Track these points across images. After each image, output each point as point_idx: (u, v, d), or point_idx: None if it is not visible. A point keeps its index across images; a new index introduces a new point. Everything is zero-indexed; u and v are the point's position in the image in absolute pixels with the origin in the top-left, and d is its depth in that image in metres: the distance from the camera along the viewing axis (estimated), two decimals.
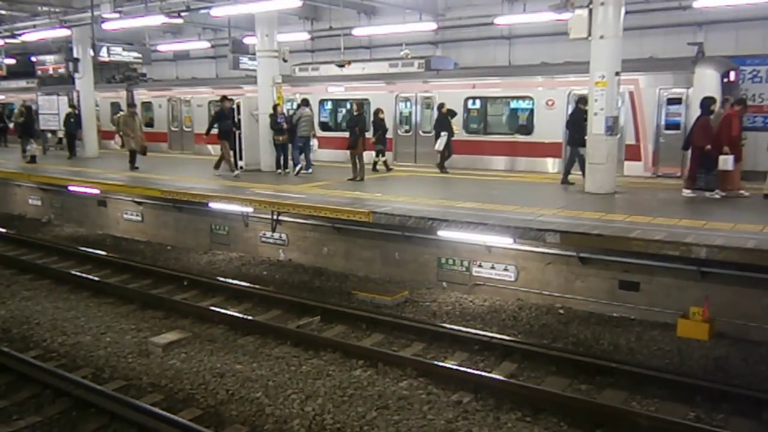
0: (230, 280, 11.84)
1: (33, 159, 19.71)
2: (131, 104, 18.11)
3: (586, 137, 12.59)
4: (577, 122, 13.23)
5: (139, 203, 16.10)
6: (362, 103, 15.54)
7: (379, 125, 16.27)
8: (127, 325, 9.75)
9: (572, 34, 12.31)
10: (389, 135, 18.58)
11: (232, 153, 16.52)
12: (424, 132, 18.43)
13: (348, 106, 19.73)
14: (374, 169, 16.37)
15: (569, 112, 14.47)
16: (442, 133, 15.94)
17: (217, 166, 17.04)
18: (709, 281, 9.09)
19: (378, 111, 16.43)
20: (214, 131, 15.94)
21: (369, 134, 15.75)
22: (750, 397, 6.84)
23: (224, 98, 16.33)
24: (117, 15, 17.97)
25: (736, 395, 6.91)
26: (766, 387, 7.19)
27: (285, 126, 15.88)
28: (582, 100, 13.18)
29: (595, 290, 10.10)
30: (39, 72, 30.20)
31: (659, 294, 9.57)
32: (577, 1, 12.58)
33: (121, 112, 19.22)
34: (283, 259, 13.65)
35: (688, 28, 18.40)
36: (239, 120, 16.72)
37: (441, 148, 16.04)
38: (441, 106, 16.30)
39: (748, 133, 15.58)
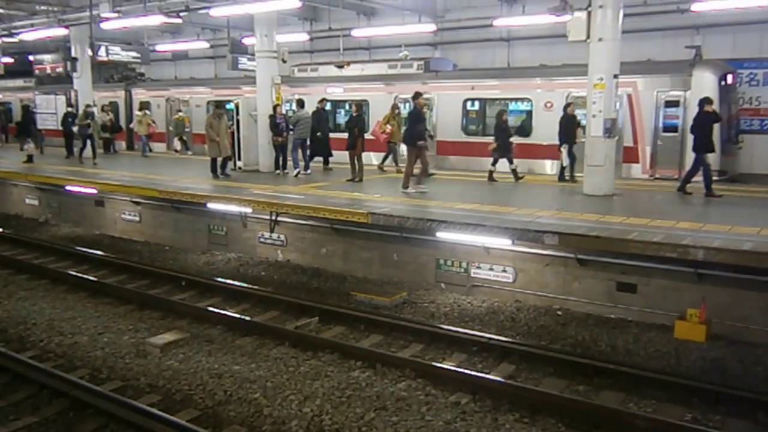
0: (228, 281, 11.83)
1: (30, 158, 19.67)
2: (218, 105, 16.15)
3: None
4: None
5: (137, 203, 16.08)
6: (361, 104, 15.55)
7: (504, 129, 14.73)
8: (125, 325, 9.73)
9: (571, 37, 12.35)
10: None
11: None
12: None
13: (347, 106, 19.75)
14: (492, 179, 14.75)
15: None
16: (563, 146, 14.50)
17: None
18: (706, 283, 9.12)
19: (502, 113, 14.99)
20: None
21: (367, 135, 15.73)
22: (746, 399, 6.86)
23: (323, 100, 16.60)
24: (116, 14, 17.99)
25: (732, 397, 6.93)
26: (762, 388, 7.21)
27: (284, 127, 15.91)
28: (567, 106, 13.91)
29: (593, 292, 10.12)
30: (37, 71, 30.10)
31: (656, 296, 9.59)
32: (575, 3, 12.62)
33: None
34: (281, 260, 13.65)
35: (686, 31, 18.45)
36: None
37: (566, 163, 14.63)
38: (567, 105, 14.74)
39: (744, 136, 15.68)
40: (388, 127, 15.70)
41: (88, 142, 19.64)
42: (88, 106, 20.28)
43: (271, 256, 13.83)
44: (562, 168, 14.62)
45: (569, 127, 14.31)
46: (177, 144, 22.72)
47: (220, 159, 15.76)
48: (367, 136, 15.73)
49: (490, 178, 14.77)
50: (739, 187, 12.42)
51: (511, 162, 14.71)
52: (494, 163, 14.88)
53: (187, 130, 22.99)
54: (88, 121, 19.57)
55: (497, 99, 17.32)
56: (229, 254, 14.28)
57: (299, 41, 24.68)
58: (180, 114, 23.02)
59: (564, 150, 14.38)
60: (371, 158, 18.06)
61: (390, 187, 13.78)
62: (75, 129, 20.23)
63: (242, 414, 6.86)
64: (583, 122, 13.68)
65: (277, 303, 10.59)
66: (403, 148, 15.63)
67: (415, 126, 12.68)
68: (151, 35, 28.88)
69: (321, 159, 17.00)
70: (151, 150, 22.47)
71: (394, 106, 16.28)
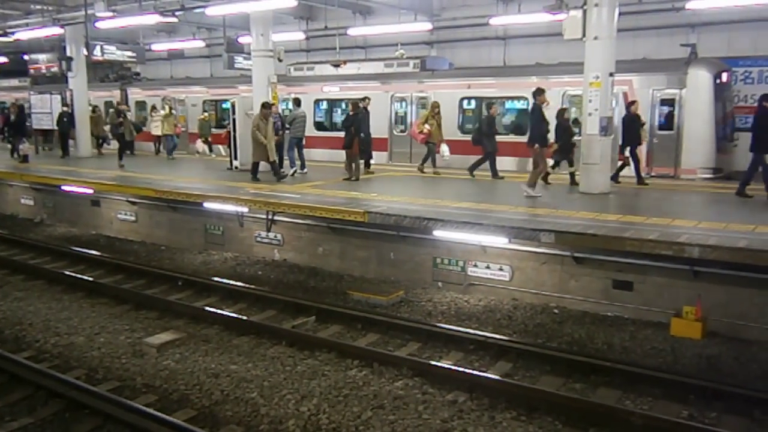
0: (225, 280, 11.82)
1: (25, 158, 19.62)
2: (265, 104, 14.90)
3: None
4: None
5: (133, 203, 16.05)
6: (358, 103, 15.53)
7: (566, 128, 13.76)
8: (121, 325, 9.72)
9: (567, 35, 12.35)
10: (384, 135, 18.66)
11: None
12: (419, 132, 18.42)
13: (343, 105, 19.74)
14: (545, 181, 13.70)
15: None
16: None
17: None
18: (701, 280, 9.13)
19: (563, 111, 13.99)
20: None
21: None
22: (742, 395, 6.88)
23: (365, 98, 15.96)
24: (111, 14, 17.93)
25: (728, 393, 6.95)
26: (758, 385, 7.22)
27: (280, 126, 15.87)
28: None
29: (590, 290, 10.13)
30: (32, 71, 30.06)
31: (653, 293, 9.61)
32: (571, 2, 12.63)
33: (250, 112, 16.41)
34: (278, 259, 13.64)
35: (681, 29, 18.51)
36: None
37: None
38: (631, 103, 13.99)
39: (740, 134, 15.71)
40: (426, 127, 15.22)
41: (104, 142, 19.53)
42: (119, 104, 19.61)
43: (267, 256, 13.82)
44: (620, 169, 13.63)
45: (633, 127, 13.37)
46: (200, 146, 21.73)
47: (258, 162, 14.84)
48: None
49: (545, 180, 13.63)
50: (734, 185, 12.41)
51: (571, 164, 13.68)
52: (555, 166, 14.01)
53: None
54: (121, 120, 18.90)
55: (493, 98, 17.33)
56: (225, 254, 14.26)
57: (295, 40, 24.67)
58: (205, 114, 22.43)
59: (629, 152, 13.50)
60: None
61: (388, 186, 13.77)
62: (107, 129, 19.61)
63: (239, 413, 6.86)
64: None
65: (273, 302, 10.58)
66: (444, 150, 15.63)
67: (540, 125, 12.05)
68: (147, 34, 28.88)
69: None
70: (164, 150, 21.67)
71: (435, 105, 15.81)
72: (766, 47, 16.78)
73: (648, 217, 9.98)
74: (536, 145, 12.02)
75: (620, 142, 13.65)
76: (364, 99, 15.84)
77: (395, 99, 18.78)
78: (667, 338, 8.84)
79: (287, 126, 16.02)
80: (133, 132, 20.51)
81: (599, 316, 9.86)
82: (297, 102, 16.66)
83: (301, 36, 24.71)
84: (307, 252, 13.23)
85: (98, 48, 19.81)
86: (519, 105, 17.06)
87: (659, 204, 11.41)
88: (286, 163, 16.16)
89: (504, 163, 15.43)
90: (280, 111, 16.67)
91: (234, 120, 16.88)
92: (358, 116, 14.99)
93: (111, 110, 19.54)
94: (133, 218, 16.30)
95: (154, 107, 22.37)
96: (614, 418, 6.50)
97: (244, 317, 9.82)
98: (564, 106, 14.52)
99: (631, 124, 13.39)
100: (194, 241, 15.01)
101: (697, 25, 18.34)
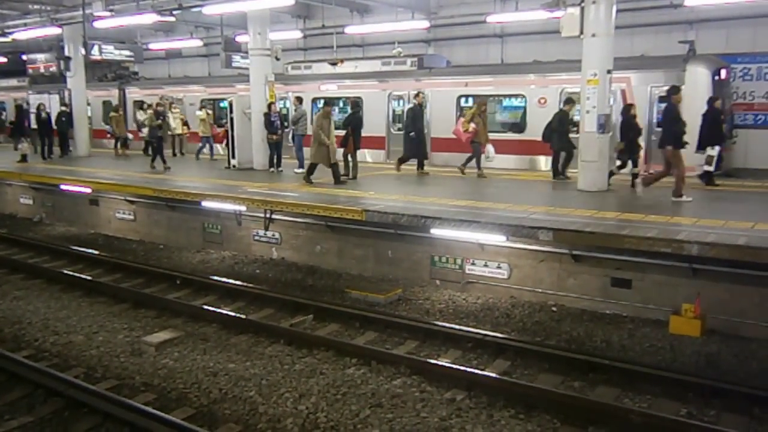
0: (223, 279, 11.82)
1: (24, 158, 19.60)
2: (327, 102, 14.18)
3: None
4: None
5: (132, 202, 16.05)
6: (356, 102, 15.52)
7: (632, 126, 12.77)
8: (120, 324, 9.71)
9: (564, 33, 12.35)
10: (381, 133, 18.65)
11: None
12: None
13: (341, 104, 19.73)
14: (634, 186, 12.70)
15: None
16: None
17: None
18: (700, 278, 9.13)
19: (629, 107, 12.98)
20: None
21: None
22: (741, 393, 6.88)
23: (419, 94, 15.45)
24: (109, 13, 17.92)
25: (727, 391, 6.95)
26: (757, 383, 7.21)
27: (279, 125, 15.88)
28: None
29: (588, 287, 10.13)
30: (30, 71, 30.03)
31: (651, 291, 9.60)
32: None
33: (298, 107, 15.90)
34: (276, 258, 13.64)
35: (679, 26, 18.50)
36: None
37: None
38: (714, 99, 13.07)
39: (738, 131, 15.73)
40: (472, 126, 14.41)
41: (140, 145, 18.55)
42: (159, 104, 18.40)
43: (265, 254, 13.82)
44: (708, 172, 12.71)
45: (716, 124, 12.48)
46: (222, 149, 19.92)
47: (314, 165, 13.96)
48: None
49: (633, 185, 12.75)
50: (733, 182, 12.43)
51: (635, 165, 12.91)
52: (621, 167, 13.00)
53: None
54: (160, 121, 17.61)
55: (491, 95, 17.32)
56: (223, 252, 14.26)
57: (293, 39, 24.64)
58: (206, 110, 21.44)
59: (712, 151, 12.51)
60: (365, 156, 18.08)
61: (385, 185, 13.76)
62: (144, 131, 18.29)
63: (237, 412, 6.85)
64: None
65: (271, 301, 10.58)
66: (489, 150, 14.72)
67: (674, 124, 11.23)
68: (145, 34, 28.84)
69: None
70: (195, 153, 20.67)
71: (481, 103, 15.06)
72: (765, 44, 16.77)
73: (646, 214, 9.98)
74: (670, 147, 11.21)
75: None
76: (418, 94, 15.43)
77: (393, 97, 18.77)
78: (666, 336, 8.84)
79: (293, 126, 15.99)
80: (175, 133, 19.96)
81: (598, 313, 9.86)
82: (299, 100, 16.67)
83: (298, 34, 24.69)
84: (305, 250, 13.23)
85: (96, 47, 19.82)
86: (516, 103, 17.04)
87: (657, 201, 11.40)
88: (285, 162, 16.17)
89: (503, 161, 15.43)
90: (278, 109, 16.64)
91: (232, 119, 16.89)
92: (356, 115, 14.99)
93: (150, 111, 18.39)
94: (131, 217, 16.30)
95: (172, 104, 21.57)
96: (613, 416, 6.50)
97: (242, 316, 9.82)
98: (631, 102, 13.48)
99: (714, 121, 12.51)
100: (192, 239, 15.01)
101: (695, 21, 18.33)
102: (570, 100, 14.06)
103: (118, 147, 21.98)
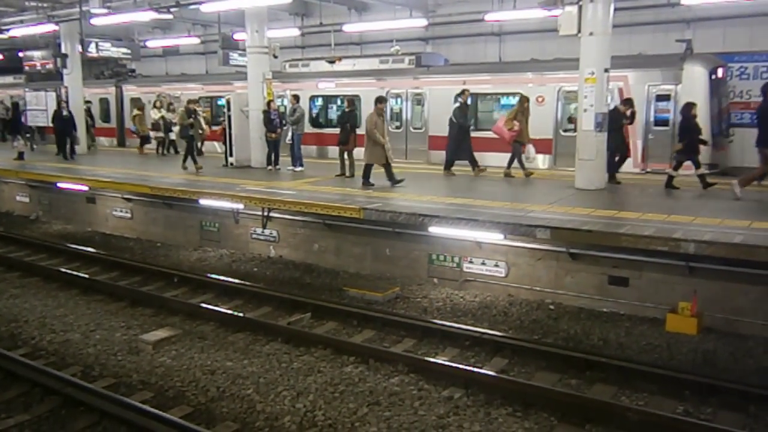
0: (221, 277, 11.80)
1: (20, 155, 19.56)
2: (381, 99, 13.13)
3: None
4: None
5: (129, 200, 16.02)
6: (353, 100, 15.50)
7: (692, 126, 12.13)
8: (117, 322, 9.70)
9: (562, 31, 12.36)
10: None
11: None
12: (414, 128, 18.45)
13: (339, 102, 19.73)
14: (671, 186, 12.38)
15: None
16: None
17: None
18: (697, 276, 9.15)
19: (690, 105, 12.23)
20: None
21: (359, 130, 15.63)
22: (738, 391, 6.90)
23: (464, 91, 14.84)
24: (106, 10, 17.90)
25: (724, 389, 6.97)
26: (753, 380, 7.24)
27: (278, 123, 15.86)
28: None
29: (585, 286, 10.15)
30: (26, 68, 29.95)
31: (648, 289, 9.62)
32: None
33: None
34: (273, 256, 13.63)
35: (677, 25, 18.51)
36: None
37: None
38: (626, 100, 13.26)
39: (735, 130, 15.76)
40: (516, 124, 13.86)
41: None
42: (190, 102, 17.30)
43: (263, 252, 13.82)
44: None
45: (690, 132, 12.09)
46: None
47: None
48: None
49: (669, 185, 12.44)
50: (730, 181, 12.41)
51: (697, 166, 12.20)
52: (677, 167, 12.39)
53: None
54: (191, 120, 16.58)
55: (489, 94, 17.32)
56: (221, 250, 14.25)
57: (290, 36, 24.59)
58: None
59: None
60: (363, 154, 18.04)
61: (382, 183, 13.75)
62: (175, 130, 17.52)
63: (235, 410, 6.85)
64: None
65: (269, 299, 10.58)
66: (530, 150, 14.41)
67: None
68: (142, 31, 28.79)
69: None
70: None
71: (524, 99, 14.43)
72: (762, 43, 16.80)
73: (643, 213, 9.99)
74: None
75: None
76: (463, 92, 14.80)
77: (390, 95, 18.75)
78: (663, 334, 8.86)
79: (293, 124, 15.97)
80: (204, 133, 18.68)
81: (595, 312, 9.88)
82: (297, 98, 16.67)
83: (296, 32, 24.62)
84: (303, 249, 13.23)
85: (93, 45, 19.74)
86: (514, 101, 17.01)
87: (655, 200, 11.43)
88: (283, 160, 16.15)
89: (500, 159, 15.41)
90: (277, 107, 16.62)
91: (229, 117, 16.86)
92: (353, 112, 14.97)
93: (181, 109, 17.55)
94: (128, 215, 16.28)
95: (190, 102, 21.49)
96: (610, 414, 6.51)
97: (240, 314, 9.80)
98: (692, 100, 12.64)
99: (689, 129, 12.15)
100: (190, 238, 14.99)
101: (693, 20, 18.34)
102: (628, 101, 13.29)
103: (144, 147, 21.68)
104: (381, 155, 12.99)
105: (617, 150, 13.16)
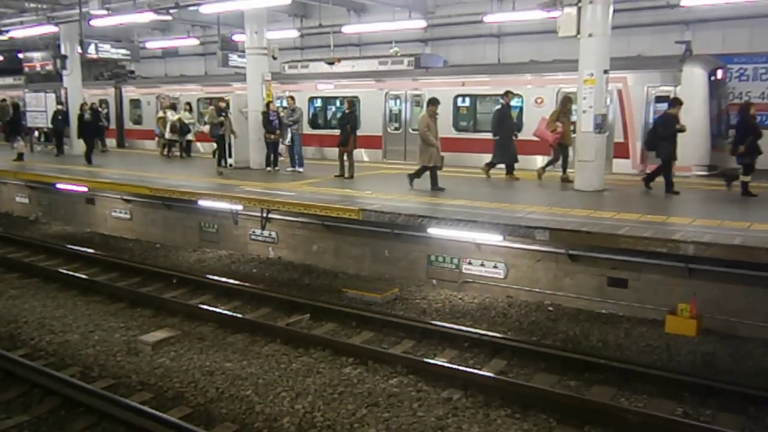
0: (219, 278, 11.80)
1: (20, 156, 19.55)
2: (433, 100, 12.66)
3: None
4: None
5: (128, 201, 16.02)
6: (353, 101, 15.49)
7: (752, 127, 11.40)
8: (116, 323, 9.70)
9: (561, 32, 12.37)
10: (378, 132, 18.63)
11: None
12: (413, 130, 18.43)
13: (338, 103, 19.73)
14: (748, 194, 11.57)
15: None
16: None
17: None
18: (696, 278, 9.16)
19: (748, 106, 11.67)
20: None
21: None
22: (737, 393, 6.90)
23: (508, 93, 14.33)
24: (105, 12, 17.90)
25: (723, 391, 6.97)
26: (753, 382, 7.24)
27: (278, 124, 15.85)
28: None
29: (584, 287, 10.15)
30: (26, 69, 29.95)
31: (647, 291, 9.62)
32: None
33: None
34: (272, 257, 13.63)
35: (676, 26, 18.54)
36: None
37: None
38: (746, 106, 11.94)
39: (734, 131, 15.74)
40: (559, 125, 13.27)
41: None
42: (220, 101, 16.65)
43: (262, 253, 13.81)
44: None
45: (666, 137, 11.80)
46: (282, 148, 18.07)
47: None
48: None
49: (745, 192, 11.62)
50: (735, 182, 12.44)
51: (749, 171, 11.51)
52: (748, 171, 11.50)
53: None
54: (222, 118, 16.10)
55: (488, 95, 17.32)
56: (220, 251, 14.25)
57: (290, 38, 24.62)
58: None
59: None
60: (362, 155, 18.10)
61: (381, 184, 13.76)
62: (206, 129, 16.70)
63: (234, 411, 6.85)
64: None
65: (268, 300, 10.58)
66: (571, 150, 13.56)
67: None
68: (141, 32, 28.78)
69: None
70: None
71: (567, 100, 13.70)
72: (761, 44, 16.82)
73: (642, 214, 9.99)
74: None
75: None
76: (506, 94, 14.32)
77: (389, 97, 18.76)
78: (662, 335, 8.86)
79: (294, 125, 15.96)
80: (234, 132, 17.03)
81: (594, 313, 9.88)
82: (294, 99, 16.66)
83: (295, 34, 24.65)
84: (302, 250, 13.23)
85: (93, 46, 19.73)
86: (513, 103, 17.00)
87: (654, 201, 11.43)
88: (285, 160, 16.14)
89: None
90: (276, 108, 16.61)
91: (229, 118, 16.83)
92: (353, 114, 14.97)
93: (210, 107, 17.04)
94: (127, 216, 16.27)
95: (210, 102, 20.54)
96: (609, 416, 6.51)
97: (239, 315, 9.82)
98: (749, 101, 12.04)
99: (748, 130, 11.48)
100: (189, 238, 14.99)
101: (692, 22, 18.37)
102: (677, 101, 12.21)
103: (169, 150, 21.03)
104: (434, 157, 12.51)
105: (668, 159, 12.06)
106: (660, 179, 12.20)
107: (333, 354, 8.37)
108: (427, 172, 12.67)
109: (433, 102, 12.65)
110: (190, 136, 20.55)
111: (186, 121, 20.19)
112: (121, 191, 15.44)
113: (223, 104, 16.63)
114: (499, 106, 14.38)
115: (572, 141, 13.42)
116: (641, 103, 14.90)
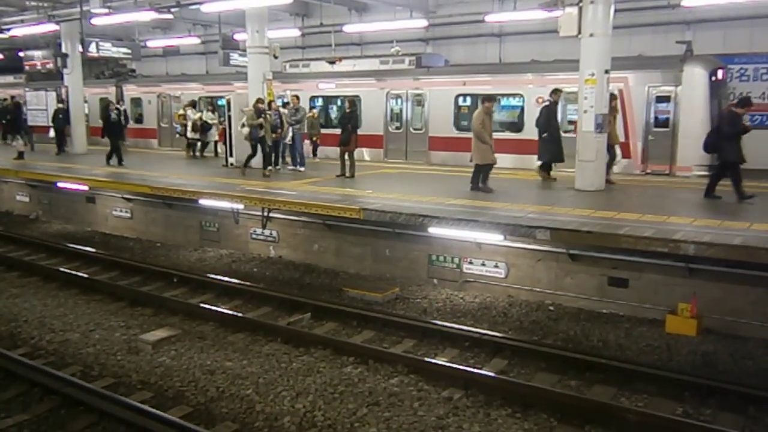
0: (220, 277, 11.79)
1: (20, 155, 19.55)
2: (489, 97, 12.33)
3: None
4: None
5: (129, 200, 16.02)
6: (354, 100, 15.48)
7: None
8: (116, 322, 9.70)
9: (562, 32, 12.36)
10: (379, 132, 18.64)
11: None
12: (414, 129, 18.45)
13: (339, 102, 19.73)
14: None
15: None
16: None
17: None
18: (697, 278, 9.16)
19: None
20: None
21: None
22: (737, 392, 6.90)
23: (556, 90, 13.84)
24: (106, 10, 17.88)
25: (723, 390, 6.97)
26: (753, 382, 7.24)
27: (279, 123, 15.82)
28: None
29: (585, 287, 10.15)
30: (27, 67, 29.97)
31: (648, 290, 9.62)
32: None
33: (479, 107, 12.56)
34: (273, 256, 13.63)
35: (677, 26, 18.55)
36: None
37: None
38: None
39: None
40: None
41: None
42: (259, 101, 15.46)
43: (263, 253, 13.81)
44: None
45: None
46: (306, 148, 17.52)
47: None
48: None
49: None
50: (728, 182, 12.37)
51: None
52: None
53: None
54: (261, 120, 14.99)
55: (489, 95, 17.27)
56: (221, 251, 14.25)
57: (291, 37, 24.63)
58: (314, 111, 19.20)
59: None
60: (363, 154, 18.10)
61: (381, 184, 13.75)
62: (245, 131, 15.39)
63: (234, 410, 6.85)
64: None
65: (269, 299, 10.58)
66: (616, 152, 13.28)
67: None
68: (142, 31, 28.75)
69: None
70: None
71: (613, 97, 12.98)
72: (762, 44, 16.81)
73: (643, 214, 9.99)
74: None
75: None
76: (555, 91, 13.82)
77: (391, 96, 18.76)
78: (662, 335, 8.86)
79: (296, 124, 15.94)
80: (272, 134, 15.61)
81: (594, 313, 9.88)
82: (298, 98, 16.67)
83: (296, 33, 24.65)
84: (303, 249, 13.23)
85: (94, 45, 19.71)
86: (514, 102, 17.04)
87: (654, 201, 11.42)
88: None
89: (500, 160, 15.39)
90: (278, 107, 16.59)
91: (229, 117, 16.85)
92: (354, 113, 14.95)
93: (248, 108, 15.85)
94: (128, 215, 16.27)
95: (211, 102, 20.40)
96: (609, 415, 6.51)
97: (240, 314, 9.81)
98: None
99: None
100: (189, 238, 14.99)
101: (693, 22, 18.37)
102: (748, 101, 11.17)
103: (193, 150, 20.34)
104: (489, 155, 12.26)
105: (736, 161, 11.07)
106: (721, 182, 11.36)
107: (334, 353, 8.37)
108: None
109: (489, 99, 12.28)
110: (213, 137, 19.90)
111: (210, 122, 19.69)
112: (121, 190, 15.43)
113: (262, 105, 15.27)
114: (546, 104, 13.97)
115: (616, 141, 13.18)
116: (642, 102, 14.90)
